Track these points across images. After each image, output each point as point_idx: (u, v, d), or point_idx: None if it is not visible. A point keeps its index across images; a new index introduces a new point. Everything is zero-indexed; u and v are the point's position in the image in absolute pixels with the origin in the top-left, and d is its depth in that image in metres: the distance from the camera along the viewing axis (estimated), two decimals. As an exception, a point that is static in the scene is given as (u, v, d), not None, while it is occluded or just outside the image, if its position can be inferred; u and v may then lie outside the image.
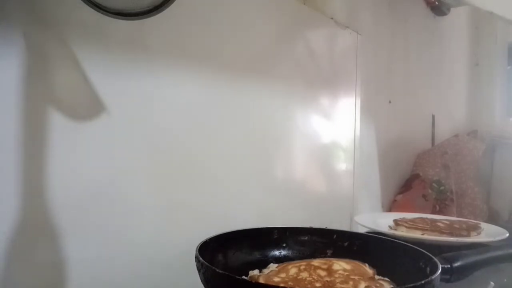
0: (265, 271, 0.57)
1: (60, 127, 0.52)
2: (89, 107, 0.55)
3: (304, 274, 0.54)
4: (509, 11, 1.06)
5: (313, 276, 0.53)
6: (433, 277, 0.45)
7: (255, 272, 0.57)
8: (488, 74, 1.92)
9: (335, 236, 0.64)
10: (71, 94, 0.54)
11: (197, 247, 0.52)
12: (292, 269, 0.56)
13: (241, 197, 0.77)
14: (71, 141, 0.53)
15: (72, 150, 0.53)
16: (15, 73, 0.48)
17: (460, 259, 0.60)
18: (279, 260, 0.62)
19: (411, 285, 0.42)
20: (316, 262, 0.58)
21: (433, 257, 0.52)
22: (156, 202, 0.63)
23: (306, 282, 0.51)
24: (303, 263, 0.57)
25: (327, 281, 0.52)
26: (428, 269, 0.50)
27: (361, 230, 0.89)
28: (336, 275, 0.53)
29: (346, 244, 0.63)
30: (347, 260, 0.58)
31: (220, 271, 0.46)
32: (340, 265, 0.56)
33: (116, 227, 0.58)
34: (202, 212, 0.70)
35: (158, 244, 0.63)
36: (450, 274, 0.58)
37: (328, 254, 0.63)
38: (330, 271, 0.54)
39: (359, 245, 0.62)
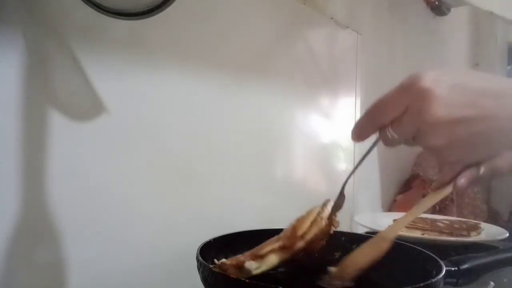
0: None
1: (60, 127, 0.52)
2: (89, 107, 0.55)
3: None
4: (509, 11, 1.06)
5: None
6: (434, 280, 0.44)
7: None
8: (488, 74, 1.92)
9: (343, 239, 0.63)
10: (71, 94, 0.54)
11: (199, 247, 0.51)
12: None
13: (241, 198, 0.77)
14: (71, 141, 0.53)
15: (72, 150, 0.53)
16: (15, 73, 0.48)
17: (468, 262, 0.57)
18: (285, 261, 0.61)
19: (409, 287, 0.41)
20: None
21: (438, 259, 0.50)
22: (156, 201, 0.63)
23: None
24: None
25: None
26: (434, 271, 0.48)
27: (361, 230, 0.89)
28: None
29: (354, 246, 0.60)
30: None
31: (217, 270, 0.46)
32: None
33: (116, 226, 0.58)
34: (202, 210, 0.69)
35: (159, 243, 0.63)
36: (457, 278, 0.54)
37: (336, 257, 0.61)
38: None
39: None
